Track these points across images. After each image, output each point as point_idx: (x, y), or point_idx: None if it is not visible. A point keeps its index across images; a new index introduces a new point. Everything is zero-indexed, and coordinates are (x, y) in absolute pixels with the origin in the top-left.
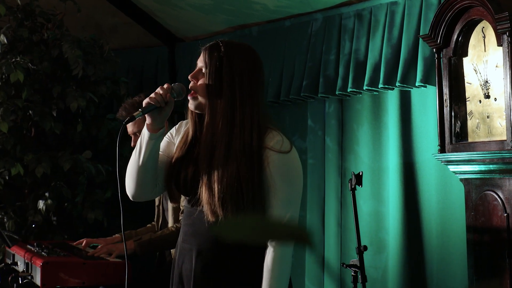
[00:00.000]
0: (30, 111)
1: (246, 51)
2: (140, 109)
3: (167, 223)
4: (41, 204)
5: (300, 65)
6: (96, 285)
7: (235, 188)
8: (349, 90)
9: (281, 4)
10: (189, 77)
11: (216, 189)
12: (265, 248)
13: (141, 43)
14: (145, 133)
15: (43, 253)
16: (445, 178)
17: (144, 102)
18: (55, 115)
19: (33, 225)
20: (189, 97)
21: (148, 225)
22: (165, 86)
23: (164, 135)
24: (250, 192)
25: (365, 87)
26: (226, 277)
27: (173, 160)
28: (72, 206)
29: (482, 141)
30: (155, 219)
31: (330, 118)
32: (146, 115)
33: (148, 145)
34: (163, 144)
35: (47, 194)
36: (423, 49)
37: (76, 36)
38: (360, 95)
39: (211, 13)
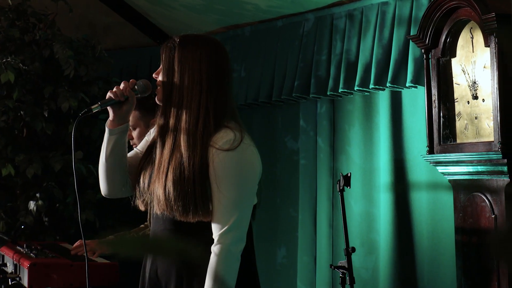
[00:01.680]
0: (21, 112)
1: (203, 43)
2: (99, 102)
3: None
4: (32, 205)
5: (292, 65)
6: (85, 286)
7: (176, 179)
8: (340, 90)
9: (272, 4)
10: (153, 76)
11: (161, 181)
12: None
13: (135, 43)
14: (106, 129)
15: (31, 254)
16: (436, 178)
17: (107, 95)
18: (46, 115)
19: (22, 226)
20: (156, 92)
21: (141, 225)
22: (130, 81)
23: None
24: (191, 184)
25: (356, 88)
26: (180, 282)
27: (140, 160)
28: (64, 207)
29: (470, 142)
30: (148, 217)
31: (322, 118)
32: (108, 109)
33: (109, 141)
34: (142, 143)
35: (38, 194)
36: (413, 50)
37: (68, 36)
38: (352, 95)
39: (203, 13)
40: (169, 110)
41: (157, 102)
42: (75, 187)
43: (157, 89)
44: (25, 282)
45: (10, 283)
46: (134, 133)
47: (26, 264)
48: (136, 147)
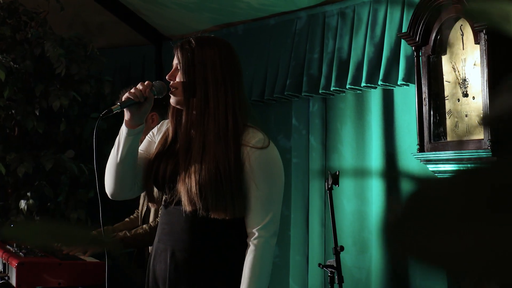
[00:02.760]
0: (12, 110)
1: (219, 45)
2: (118, 103)
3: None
4: (23, 204)
5: (284, 63)
6: (74, 285)
7: (213, 177)
8: (332, 89)
9: (265, 2)
10: (166, 78)
11: (194, 179)
12: (241, 247)
13: (128, 41)
14: (123, 129)
15: (20, 253)
16: (428, 177)
17: (124, 96)
18: (38, 114)
19: (11, 225)
20: (170, 94)
21: (126, 219)
22: (146, 82)
23: (147, 134)
24: (228, 182)
25: (348, 86)
26: (200, 277)
27: (153, 158)
28: (55, 206)
29: (461, 140)
30: (139, 207)
31: (314, 117)
32: (125, 110)
33: (126, 141)
34: (144, 142)
35: (29, 193)
36: (405, 48)
37: (59, 34)
38: (344, 94)
39: (196, 11)
40: (191, 111)
41: (173, 103)
42: (96, 190)
43: (172, 90)
44: (13, 281)
45: None
46: None
47: (14, 263)
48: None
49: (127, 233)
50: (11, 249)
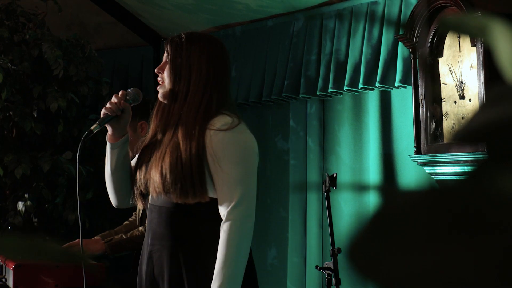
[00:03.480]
0: (10, 112)
1: (208, 41)
2: (97, 122)
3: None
4: (20, 205)
5: (282, 65)
6: (70, 287)
7: (173, 160)
8: (329, 90)
9: (263, 3)
10: (155, 70)
11: (158, 166)
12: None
13: (126, 42)
14: (107, 144)
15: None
16: (426, 178)
17: (102, 113)
18: (35, 115)
19: (9, 227)
20: (158, 88)
21: (125, 222)
22: (120, 93)
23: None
24: (188, 162)
25: (345, 88)
26: (181, 269)
27: (137, 158)
28: (53, 208)
29: (457, 143)
30: (137, 210)
31: (311, 118)
32: (107, 126)
33: (113, 155)
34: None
35: (26, 195)
36: (402, 50)
37: (57, 36)
38: (341, 95)
39: (194, 12)
40: (173, 104)
41: (160, 97)
42: (77, 195)
43: (160, 84)
44: (10, 283)
45: None
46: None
47: (11, 265)
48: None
49: (123, 236)
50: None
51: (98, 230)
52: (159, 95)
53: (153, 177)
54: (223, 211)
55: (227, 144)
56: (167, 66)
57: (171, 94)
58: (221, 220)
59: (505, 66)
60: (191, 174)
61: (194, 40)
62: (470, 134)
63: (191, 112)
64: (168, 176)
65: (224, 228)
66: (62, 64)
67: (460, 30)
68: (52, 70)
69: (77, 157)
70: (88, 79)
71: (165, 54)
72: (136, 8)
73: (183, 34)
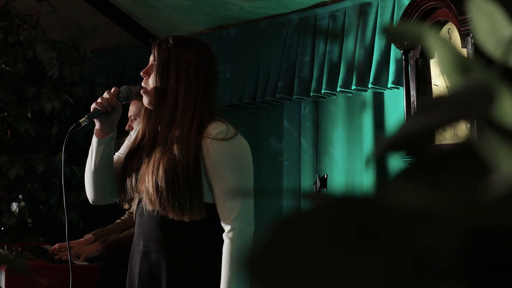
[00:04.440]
0: (4, 113)
1: (196, 45)
2: (86, 115)
3: None
4: (14, 206)
5: (276, 66)
6: None
7: (170, 175)
8: (323, 91)
9: (257, 5)
10: (141, 74)
11: (152, 179)
12: (216, 244)
13: (122, 43)
14: (93, 138)
15: (10, 256)
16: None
17: (92, 107)
18: (30, 116)
19: (2, 228)
20: (142, 93)
21: (118, 221)
22: (112, 90)
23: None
24: (186, 179)
25: (338, 89)
26: (173, 277)
27: (123, 158)
28: (47, 209)
29: (448, 144)
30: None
31: (305, 119)
32: (95, 120)
33: (98, 150)
34: (124, 145)
35: (20, 196)
36: (395, 51)
37: (51, 37)
38: (335, 96)
39: (189, 14)
40: (161, 113)
41: (146, 104)
42: (63, 191)
43: (144, 90)
44: (2, 284)
45: None
46: (134, 123)
47: (4, 266)
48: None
49: (119, 235)
50: (1, 252)
51: (92, 231)
52: (145, 102)
53: (148, 190)
54: (225, 220)
55: (226, 154)
56: (154, 73)
57: (158, 101)
58: (215, 222)
59: (445, 71)
60: (189, 194)
61: (181, 44)
62: (390, 144)
63: (184, 129)
64: (164, 193)
65: (230, 237)
66: (56, 65)
67: (400, 37)
68: (47, 71)
69: (63, 147)
70: (83, 80)
71: (152, 58)
72: (131, 9)
73: (170, 41)
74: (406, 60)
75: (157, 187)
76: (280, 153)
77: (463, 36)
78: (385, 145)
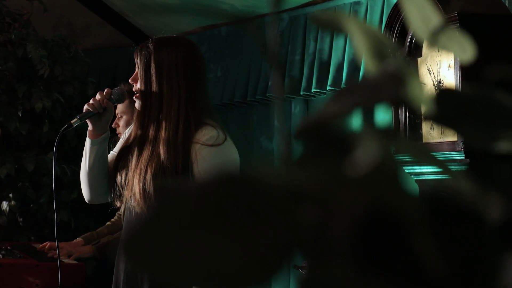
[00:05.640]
0: None
1: (177, 45)
2: (78, 116)
3: None
4: (5, 205)
5: (267, 65)
6: (51, 287)
7: (158, 179)
8: (313, 90)
9: (248, 4)
10: (129, 81)
11: (139, 183)
12: None
13: (114, 43)
14: (87, 139)
15: None
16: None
17: (84, 108)
18: (20, 115)
19: None
20: (134, 98)
21: (108, 223)
22: (105, 91)
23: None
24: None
25: (328, 88)
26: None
27: (115, 158)
28: (37, 207)
29: (435, 142)
30: (120, 210)
31: (296, 118)
32: (87, 121)
33: (91, 151)
34: (118, 144)
35: (11, 195)
36: None
37: (42, 36)
38: (325, 95)
39: (180, 12)
40: (147, 119)
41: (137, 107)
42: (53, 190)
43: (135, 95)
44: None
45: None
46: (121, 121)
47: None
48: (120, 135)
49: (111, 237)
50: None
51: (83, 231)
52: (137, 106)
53: (135, 194)
54: None
55: (212, 159)
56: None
57: (144, 105)
58: None
59: (364, 57)
60: None
61: (162, 46)
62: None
63: (170, 133)
64: (152, 199)
65: None
66: (47, 64)
67: (325, 25)
68: (37, 70)
69: (54, 148)
70: (74, 79)
71: (136, 65)
72: (123, 8)
73: (150, 45)
74: None
75: (144, 193)
76: (271, 153)
77: None
78: (297, 131)
